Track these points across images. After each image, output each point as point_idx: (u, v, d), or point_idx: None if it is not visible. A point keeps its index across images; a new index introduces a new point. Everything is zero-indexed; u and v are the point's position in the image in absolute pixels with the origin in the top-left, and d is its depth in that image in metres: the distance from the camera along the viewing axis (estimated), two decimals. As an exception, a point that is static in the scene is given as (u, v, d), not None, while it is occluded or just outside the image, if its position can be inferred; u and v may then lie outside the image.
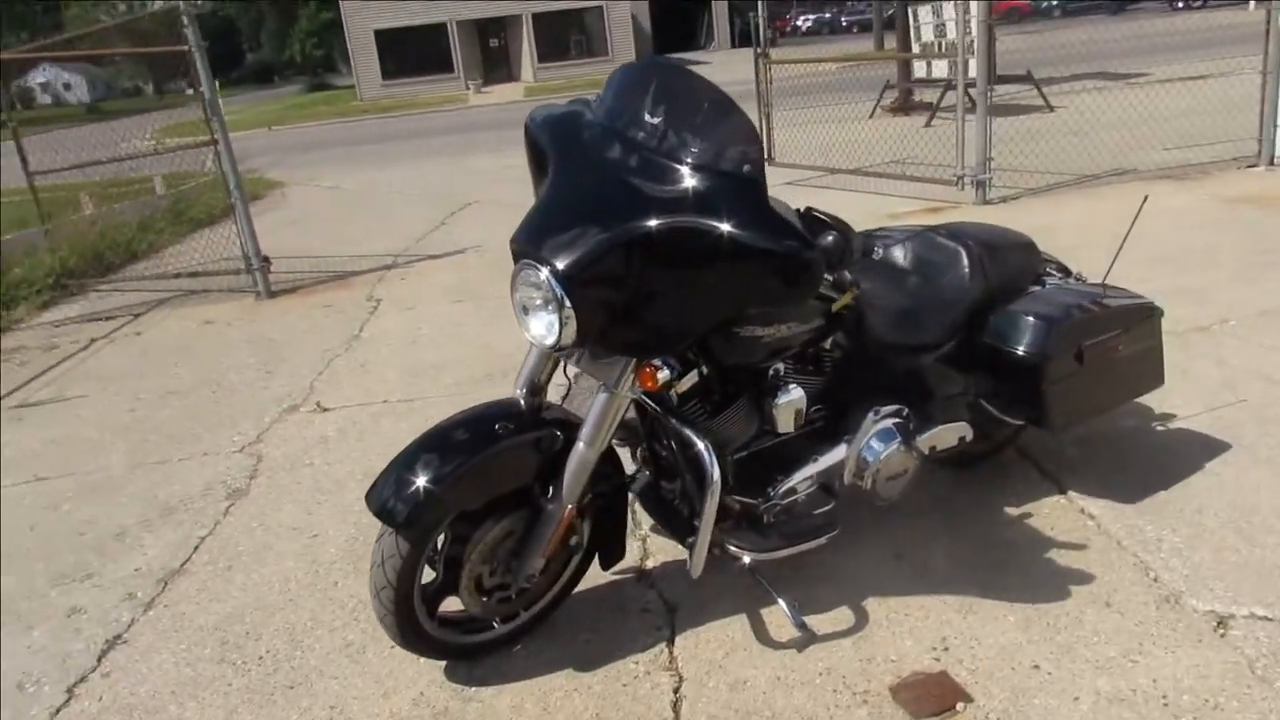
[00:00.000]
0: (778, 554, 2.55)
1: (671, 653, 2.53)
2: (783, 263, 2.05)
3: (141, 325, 6.56)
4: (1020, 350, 2.76)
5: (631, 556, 2.94)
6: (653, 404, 2.42)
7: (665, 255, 2.06)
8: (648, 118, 2.23)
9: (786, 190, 8.47)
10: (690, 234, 2.04)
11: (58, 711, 2.52)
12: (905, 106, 13.06)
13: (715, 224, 2.03)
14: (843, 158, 8.54)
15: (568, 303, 2.06)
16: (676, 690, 2.39)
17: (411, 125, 21.62)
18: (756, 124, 8.76)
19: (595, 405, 2.31)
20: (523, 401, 2.43)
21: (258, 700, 2.49)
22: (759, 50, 8.82)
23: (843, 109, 9.13)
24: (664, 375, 2.25)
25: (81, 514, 3.67)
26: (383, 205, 10.49)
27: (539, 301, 2.13)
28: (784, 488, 2.61)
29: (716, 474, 2.31)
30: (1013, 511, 3.05)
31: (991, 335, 2.82)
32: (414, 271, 7.22)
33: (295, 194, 12.31)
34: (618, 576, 2.84)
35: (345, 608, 2.84)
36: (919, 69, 13.25)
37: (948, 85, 10.17)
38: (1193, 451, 3.28)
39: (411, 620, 2.34)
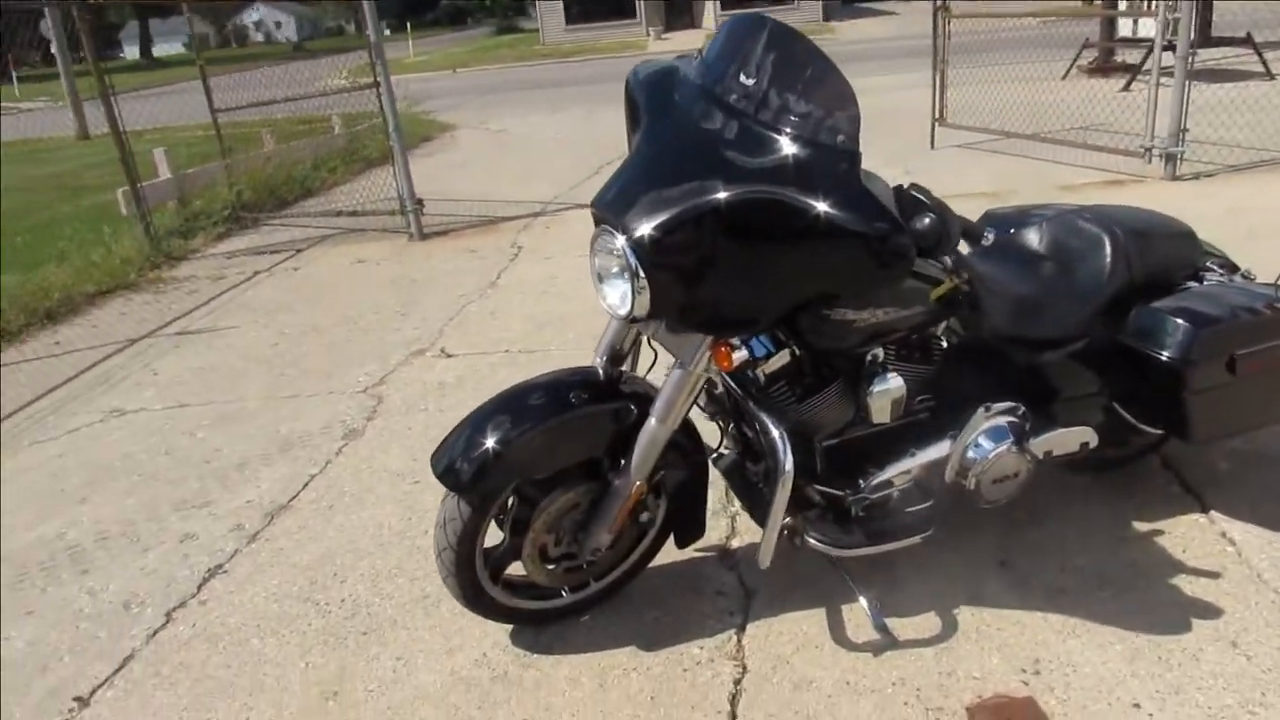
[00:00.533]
0: (859, 552, 2.40)
1: (740, 641, 2.43)
2: (871, 245, 1.87)
3: (300, 261, 6.86)
4: (1162, 353, 2.47)
5: (718, 535, 2.85)
6: (733, 384, 2.30)
7: (745, 229, 1.92)
8: (744, 79, 2.07)
9: (957, 154, 8.01)
10: (773, 208, 1.89)
11: (154, 634, 2.66)
12: (1104, 68, 12.04)
13: (801, 198, 1.88)
14: (1022, 121, 7.95)
15: (642, 273, 1.96)
16: (738, 683, 2.29)
17: (588, 71, 21.70)
18: (931, 81, 8.35)
19: (669, 382, 2.21)
20: (601, 371, 2.36)
21: (331, 643, 2.55)
22: (939, 2, 8.28)
23: (1032, 68, 8.45)
24: (740, 355, 2.12)
25: (212, 442, 3.87)
26: (544, 151, 10.58)
27: (615, 270, 2.03)
28: (875, 481, 2.44)
29: (789, 463, 2.17)
30: (1142, 527, 2.76)
31: (1131, 334, 2.54)
32: (559, 220, 7.25)
33: (464, 137, 12.59)
34: (699, 554, 2.76)
35: (429, 558, 2.86)
36: (1124, 27, 12.19)
37: (1152, 46, 9.29)
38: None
39: (473, 582, 2.33)
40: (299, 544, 3.04)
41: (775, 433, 2.18)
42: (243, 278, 6.51)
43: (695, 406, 2.31)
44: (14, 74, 26.96)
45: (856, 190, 1.87)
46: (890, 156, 8.09)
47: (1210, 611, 2.40)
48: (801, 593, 2.58)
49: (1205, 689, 2.15)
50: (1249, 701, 2.10)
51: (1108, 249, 2.54)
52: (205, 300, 6.06)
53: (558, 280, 5.67)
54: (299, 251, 7.12)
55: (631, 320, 2.09)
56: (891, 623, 2.44)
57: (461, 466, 2.19)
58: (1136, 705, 2.13)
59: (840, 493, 2.43)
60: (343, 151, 10.62)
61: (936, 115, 8.48)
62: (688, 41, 27.14)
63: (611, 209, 2.03)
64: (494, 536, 2.36)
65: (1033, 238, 2.72)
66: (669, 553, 2.65)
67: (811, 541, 2.38)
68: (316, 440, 3.77)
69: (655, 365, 2.52)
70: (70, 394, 4.60)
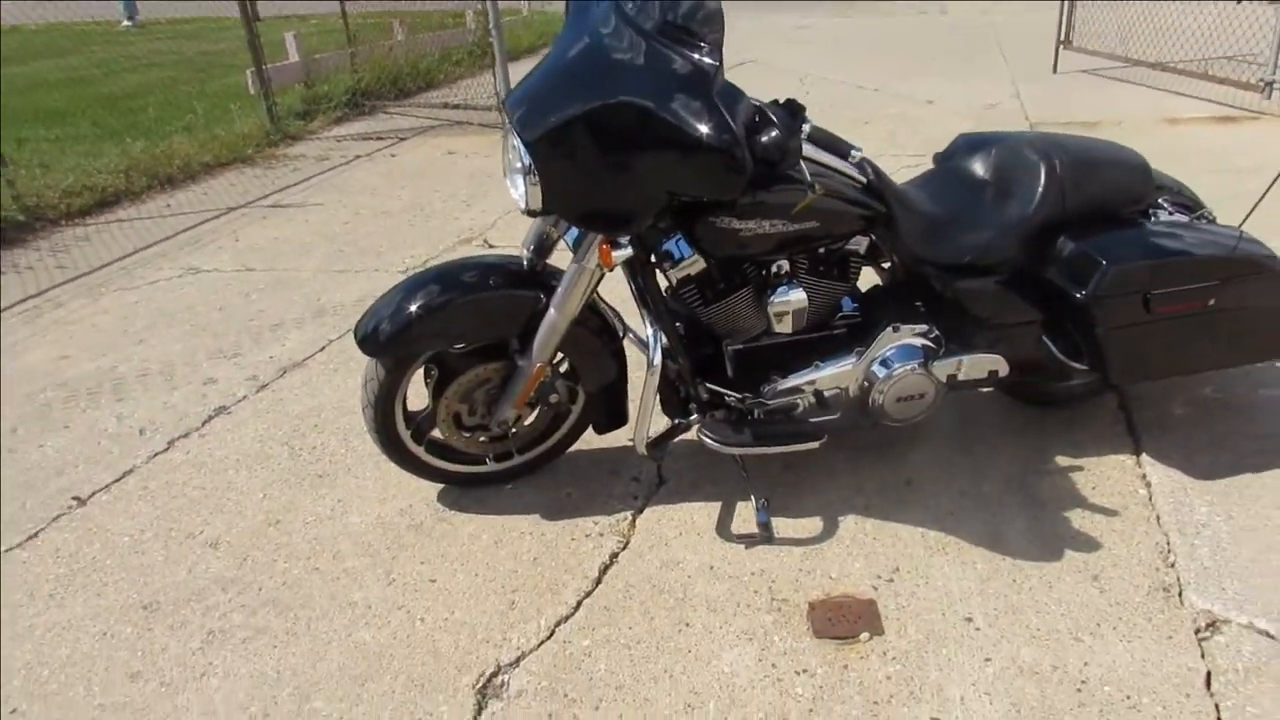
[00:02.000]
0: (743, 450, 2.56)
1: (634, 522, 2.64)
2: (709, 154, 1.98)
3: (400, 148, 7.25)
4: (1072, 286, 2.47)
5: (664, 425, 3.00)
6: (632, 283, 2.46)
7: (615, 133, 2.07)
8: (644, -9, 2.18)
9: (1074, 80, 7.62)
10: (634, 114, 2.03)
11: (155, 456, 3.09)
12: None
13: (658, 106, 2.01)
14: (1152, 47, 7.44)
15: (534, 170, 2.14)
16: (615, 555, 2.50)
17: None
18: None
19: (566, 274, 2.39)
20: (525, 261, 2.55)
21: (291, 481, 2.91)
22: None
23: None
24: (619, 254, 2.28)
25: (260, 304, 4.29)
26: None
27: (516, 166, 2.21)
28: (778, 388, 2.57)
29: (658, 358, 2.34)
30: (1064, 461, 2.79)
31: (1048, 266, 2.53)
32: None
33: (595, 37, 12.65)
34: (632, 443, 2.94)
35: (397, 421, 3.18)
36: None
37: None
38: (1323, 440, 2.80)
39: (394, 439, 2.61)
40: (297, 397, 3.41)
41: (649, 329, 2.34)
42: (344, 160, 6.95)
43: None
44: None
45: (706, 102, 1.97)
46: (1006, 79, 7.77)
47: (1088, 545, 2.44)
48: (709, 488, 2.75)
49: (1043, 612, 2.23)
50: (1081, 630, 2.17)
51: (1041, 177, 2.53)
52: (305, 178, 6.52)
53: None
54: (401, 140, 7.50)
55: (529, 213, 2.27)
56: (779, 523, 2.59)
57: (376, 332, 2.45)
58: (969, 619, 2.23)
59: (737, 394, 2.57)
60: (475, 46, 10.90)
61: (1062, 38, 8.02)
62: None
63: (514, 109, 2.20)
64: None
65: (979, 164, 2.72)
66: (613, 439, 2.84)
67: (702, 436, 2.54)
68: (347, 311, 4.13)
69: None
70: (162, 250, 5.13)
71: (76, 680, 2.19)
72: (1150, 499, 2.61)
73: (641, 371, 2.42)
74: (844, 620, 2.25)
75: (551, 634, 2.25)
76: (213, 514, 2.77)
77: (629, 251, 2.29)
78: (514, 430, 2.69)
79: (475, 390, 2.59)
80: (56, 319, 4.29)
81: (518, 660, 2.18)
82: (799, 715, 1.99)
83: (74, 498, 2.88)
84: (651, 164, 2.07)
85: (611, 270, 2.35)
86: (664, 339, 2.36)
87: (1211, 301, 2.48)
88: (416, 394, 2.63)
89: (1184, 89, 6.83)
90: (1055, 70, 7.96)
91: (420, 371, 2.59)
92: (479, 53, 10.65)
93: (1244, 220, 2.61)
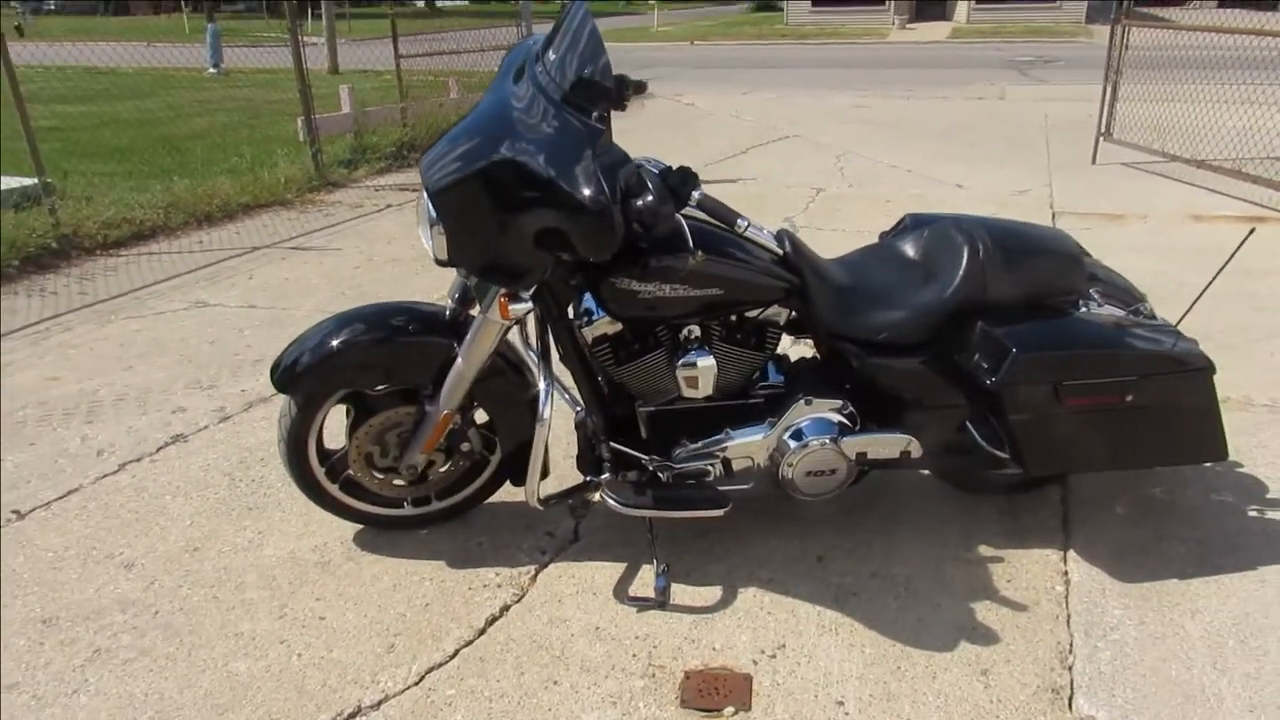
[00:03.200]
0: (642, 513, 2.56)
1: (536, 577, 2.63)
2: (582, 214, 2.01)
3: (431, 200, 7.44)
4: (980, 373, 2.43)
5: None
6: (537, 337, 2.49)
7: (503, 190, 2.12)
8: (550, 54, 2.26)
9: (1109, 172, 7.52)
10: (517, 172, 2.08)
11: (103, 477, 3.19)
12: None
13: (541, 167, 2.06)
14: (1194, 145, 7.30)
15: (438, 223, 2.21)
16: (506, 609, 2.50)
17: (817, 54, 21.49)
18: (1101, 94, 7.82)
19: (472, 326, 2.43)
20: (448, 311, 2.60)
21: (221, 511, 2.97)
22: (1120, 8, 7.74)
23: (1227, 90, 7.71)
24: (517, 308, 2.32)
25: (250, 339, 4.42)
26: (711, 127, 10.73)
27: (427, 219, 2.29)
28: (684, 452, 2.57)
29: (548, 412, 2.36)
30: (987, 551, 2.71)
31: (963, 352, 2.50)
32: (673, 192, 7.43)
33: (651, 106, 12.89)
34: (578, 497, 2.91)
35: (338, 460, 3.24)
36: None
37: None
38: (1253, 549, 2.68)
39: (308, 476, 2.66)
40: (254, 430, 3.50)
41: (542, 384, 2.37)
42: (375, 209, 7.16)
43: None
44: (310, 11, 29.92)
45: (585, 165, 2.01)
46: (1043, 167, 7.73)
47: (985, 639, 2.37)
48: (619, 549, 2.74)
49: (919, 703, 2.16)
50: (951, 723, 2.10)
51: (963, 261, 2.51)
52: (334, 223, 6.73)
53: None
54: (436, 191, 7.70)
55: (440, 263, 2.33)
56: (679, 589, 2.56)
57: (288, 368, 2.52)
58: (840, 703, 2.17)
59: (642, 456, 2.57)
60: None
61: (1102, 130, 7.96)
62: (930, 34, 26.23)
63: (425, 167, 2.28)
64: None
65: (912, 244, 2.71)
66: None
67: (604, 495, 2.54)
68: (328, 351, 4.23)
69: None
70: (179, 284, 5.34)
71: (-41, 685, 2.25)
72: (1066, 597, 2.52)
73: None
74: (714, 693, 2.21)
75: (420, 680, 2.25)
76: (137, 537, 2.84)
77: (528, 306, 2.33)
78: (428, 476, 2.72)
79: (387, 433, 2.63)
80: (60, 342, 4.47)
81: (379, 703, 2.18)
82: (635, 784, 1.95)
83: (14, 511, 2.98)
84: (533, 220, 2.11)
85: (516, 323, 2.39)
86: (568, 396, 2.38)
87: (1129, 398, 2.41)
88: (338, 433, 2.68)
89: (1218, 186, 6.69)
90: (1094, 161, 7.87)
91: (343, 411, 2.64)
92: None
93: (1180, 319, 2.55)
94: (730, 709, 2.15)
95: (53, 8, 50.16)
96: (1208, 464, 3.00)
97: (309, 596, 2.55)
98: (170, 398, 3.80)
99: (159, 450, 3.37)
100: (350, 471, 2.69)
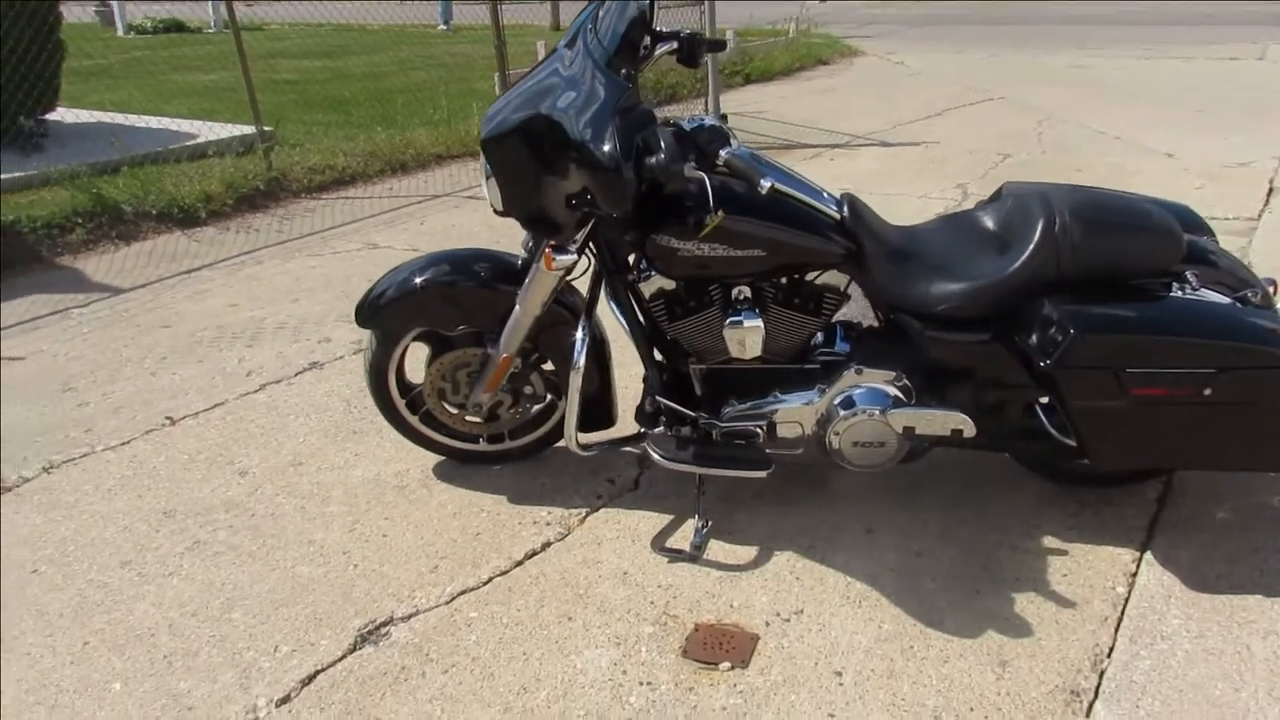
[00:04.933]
0: (686, 468, 2.62)
1: (584, 520, 2.75)
2: (595, 169, 2.07)
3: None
4: (1036, 353, 2.30)
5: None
6: (589, 288, 2.59)
7: (536, 142, 2.23)
8: (598, 22, 2.33)
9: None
10: (547, 124, 2.18)
11: (245, 395, 3.58)
12: None
13: (565, 120, 2.14)
14: None
15: (490, 174, 2.36)
16: (546, 545, 2.64)
17: (1056, 10, 19.93)
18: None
19: (528, 275, 2.56)
20: (520, 261, 2.74)
21: (331, 433, 3.28)
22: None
23: None
24: (561, 259, 2.41)
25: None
26: (912, 87, 10.29)
27: (484, 170, 2.44)
28: (733, 411, 2.60)
29: (582, 360, 2.46)
30: (1051, 543, 2.57)
31: (1023, 327, 2.36)
32: (849, 154, 7.25)
33: (860, 65, 12.52)
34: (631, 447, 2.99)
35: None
36: None
37: None
38: (1371, 572, 2.40)
39: (389, 406, 2.89)
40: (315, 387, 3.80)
41: (579, 334, 2.47)
42: (556, 162, 7.42)
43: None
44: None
45: (602, 122, 2.07)
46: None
47: (1015, 630, 2.27)
48: (673, 501, 2.81)
49: (920, 684, 2.12)
50: (948, 711, 2.04)
51: (1036, 234, 2.36)
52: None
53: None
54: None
55: (497, 212, 2.47)
56: (718, 545, 2.61)
57: (367, 306, 2.75)
58: (838, 674, 2.16)
59: (689, 413, 2.61)
60: (727, 64, 11.18)
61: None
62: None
63: (484, 121, 2.42)
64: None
65: (994, 215, 2.58)
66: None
67: (647, 447, 2.62)
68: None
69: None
70: (359, 227, 5.80)
71: (86, 557, 2.65)
72: (1125, 599, 2.36)
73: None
74: (717, 647, 2.25)
75: (450, 601, 2.43)
76: (257, 449, 3.19)
77: (572, 258, 2.42)
78: (498, 416, 2.88)
79: (458, 371, 2.81)
80: (250, 274, 5.00)
81: (409, 617, 2.38)
82: (614, 720, 2.04)
83: (167, 417, 3.42)
84: (559, 174, 2.20)
85: (566, 274, 2.50)
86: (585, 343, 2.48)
87: (1207, 391, 2.20)
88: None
89: None
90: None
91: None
92: (730, 72, 10.93)
93: (1293, 306, 2.30)
94: (727, 664, 2.19)
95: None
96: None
97: (379, 515, 2.79)
98: (321, 328, 4.19)
99: (297, 375, 3.73)
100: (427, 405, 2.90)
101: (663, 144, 2.13)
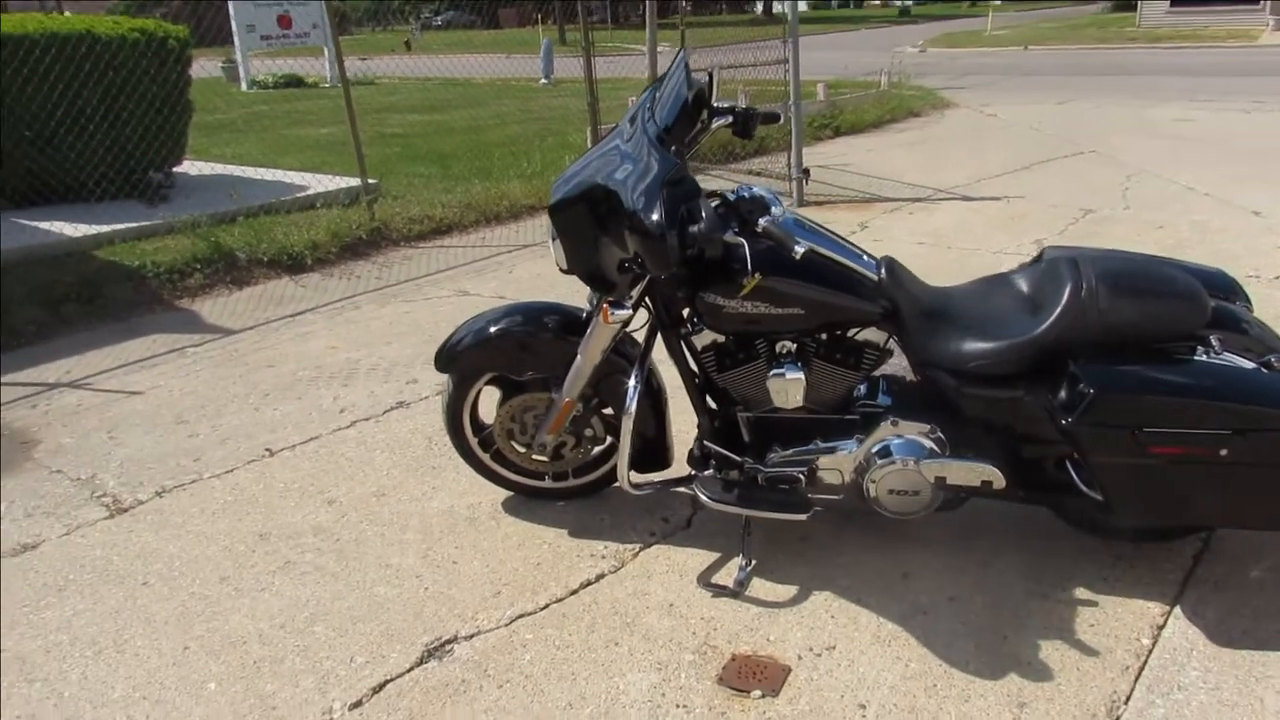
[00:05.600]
0: (731, 509, 2.80)
1: (638, 554, 2.95)
2: (643, 236, 2.30)
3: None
4: (1059, 411, 2.43)
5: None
6: (646, 342, 2.82)
7: (593, 208, 2.49)
8: (657, 95, 2.59)
9: None
10: (605, 195, 2.43)
11: (337, 430, 3.91)
12: None
13: (620, 190, 2.38)
14: None
15: (555, 235, 2.63)
16: (600, 577, 2.85)
17: (1165, 60, 19.66)
18: None
19: (589, 327, 2.80)
20: (585, 314, 2.99)
21: (413, 467, 3.57)
22: None
23: None
24: (620, 314, 2.64)
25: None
26: (1002, 140, 10.34)
27: (550, 232, 2.71)
28: (777, 457, 2.78)
29: (634, 406, 2.67)
30: (1082, 594, 2.67)
31: (1048, 386, 2.49)
32: (928, 209, 7.35)
33: (952, 116, 12.60)
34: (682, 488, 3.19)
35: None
36: None
37: None
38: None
39: (464, 442, 3.15)
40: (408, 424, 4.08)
41: (632, 382, 2.69)
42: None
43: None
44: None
45: (651, 193, 2.30)
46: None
47: (1037, 675, 2.38)
48: (721, 540, 2.99)
49: (938, 721, 2.25)
50: (961, 745, 2.17)
51: (1064, 297, 2.49)
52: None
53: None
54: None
55: (563, 271, 2.74)
56: (760, 583, 2.78)
57: (446, 353, 3.03)
58: (863, 706, 2.31)
59: (735, 457, 2.81)
60: (819, 117, 11.41)
61: None
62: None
63: (553, 188, 2.69)
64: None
65: (1027, 276, 2.72)
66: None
67: (694, 488, 2.82)
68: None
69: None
70: (452, 275, 6.18)
71: (190, 572, 2.97)
72: (1149, 650, 2.44)
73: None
74: (751, 676, 2.42)
75: (510, 623, 2.66)
76: (345, 479, 3.49)
77: (628, 314, 2.66)
78: (563, 455, 3.12)
79: (525, 413, 3.06)
80: (349, 318, 5.40)
81: (471, 636, 2.61)
82: (645, 737, 2.22)
83: (266, 449, 3.76)
84: (612, 239, 2.44)
85: (623, 328, 2.73)
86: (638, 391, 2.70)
87: (1223, 452, 2.30)
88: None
89: None
90: None
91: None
92: (819, 124, 11.14)
93: (1314, 370, 2.38)
94: (758, 692, 2.36)
95: (440, 23, 56.60)
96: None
97: (451, 544, 3.04)
98: (410, 370, 4.51)
99: (385, 413, 4.05)
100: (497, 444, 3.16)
101: (704, 214, 2.35)
